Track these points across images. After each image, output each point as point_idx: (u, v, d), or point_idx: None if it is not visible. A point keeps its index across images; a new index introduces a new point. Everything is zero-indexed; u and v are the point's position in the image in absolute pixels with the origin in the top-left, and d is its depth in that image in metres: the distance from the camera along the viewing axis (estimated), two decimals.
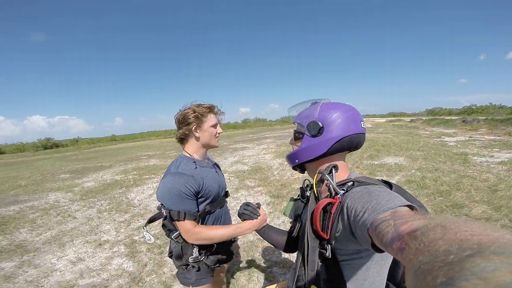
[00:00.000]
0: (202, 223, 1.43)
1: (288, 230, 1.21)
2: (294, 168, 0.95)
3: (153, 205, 5.46)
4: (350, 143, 0.83)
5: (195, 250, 1.46)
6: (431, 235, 0.34)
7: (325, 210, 0.72)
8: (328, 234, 0.71)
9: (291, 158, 0.93)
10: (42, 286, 2.84)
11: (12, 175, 12.78)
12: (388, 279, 0.84)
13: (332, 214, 0.70)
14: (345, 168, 0.87)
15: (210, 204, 1.46)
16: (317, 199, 0.83)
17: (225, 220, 1.59)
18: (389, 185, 0.78)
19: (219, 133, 1.52)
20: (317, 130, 0.82)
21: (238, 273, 2.78)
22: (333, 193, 0.74)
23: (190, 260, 1.45)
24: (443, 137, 13.77)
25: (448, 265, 0.25)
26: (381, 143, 12.37)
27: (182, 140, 1.48)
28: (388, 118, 63.94)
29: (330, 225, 0.71)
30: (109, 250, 3.62)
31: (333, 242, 0.72)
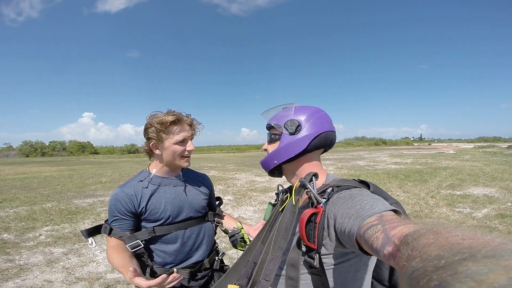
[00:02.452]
0: (148, 243, 1.25)
1: None
2: (271, 172, 0.92)
3: None
4: (326, 140, 0.85)
5: (148, 270, 1.25)
6: (423, 241, 0.33)
7: (309, 220, 0.69)
8: (316, 244, 0.68)
9: (268, 160, 0.89)
10: (73, 274, 2.97)
11: (98, 172, 14.98)
12: (373, 277, 0.82)
13: (318, 224, 0.68)
14: (322, 170, 0.87)
15: (161, 226, 1.24)
16: (295, 207, 0.78)
17: (188, 244, 1.30)
18: (366, 184, 0.78)
19: (189, 151, 1.25)
20: (295, 128, 0.83)
21: None
22: (315, 202, 0.72)
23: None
24: None
25: (440, 269, 0.25)
26: (466, 171, 10.59)
27: (149, 154, 1.30)
28: (478, 144, 55.36)
29: (316, 235, 0.68)
30: None
31: (321, 250, 0.70)
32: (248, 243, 1.28)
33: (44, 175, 13.67)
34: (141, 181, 1.25)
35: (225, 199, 6.94)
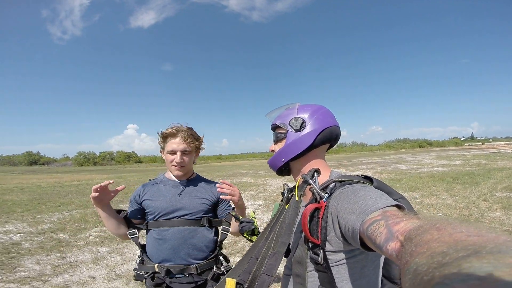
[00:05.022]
0: (147, 235, 1.45)
1: None
2: (280, 171, 0.92)
3: None
4: (331, 134, 0.85)
5: (138, 260, 1.41)
6: (427, 237, 0.33)
7: (312, 215, 0.69)
8: (319, 239, 0.68)
9: (276, 159, 0.90)
10: (114, 272, 3.21)
11: (142, 179, 16.04)
12: (383, 275, 0.81)
13: (320, 219, 0.68)
14: (326, 167, 0.87)
15: (153, 221, 1.39)
16: (298, 203, 0.79)
17: (170, 243, 1.33)
18: (370, 180, 0.76)
19: (177, 163, 1.37)
20: (300, 124, 0.85)
21: None
22: (318, 197, 0.72)
23: (135, 266, 1.41)
24: None
25: (444, 265, 0.25)
26: None
27: None
28: None
29: (319, 230, 0.68)
30: None
31: (325, 246, 0.69)
32: (256, 233, 1.27)
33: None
34: (151, 179, 1.50)
35: (256, 204, 7.00)
